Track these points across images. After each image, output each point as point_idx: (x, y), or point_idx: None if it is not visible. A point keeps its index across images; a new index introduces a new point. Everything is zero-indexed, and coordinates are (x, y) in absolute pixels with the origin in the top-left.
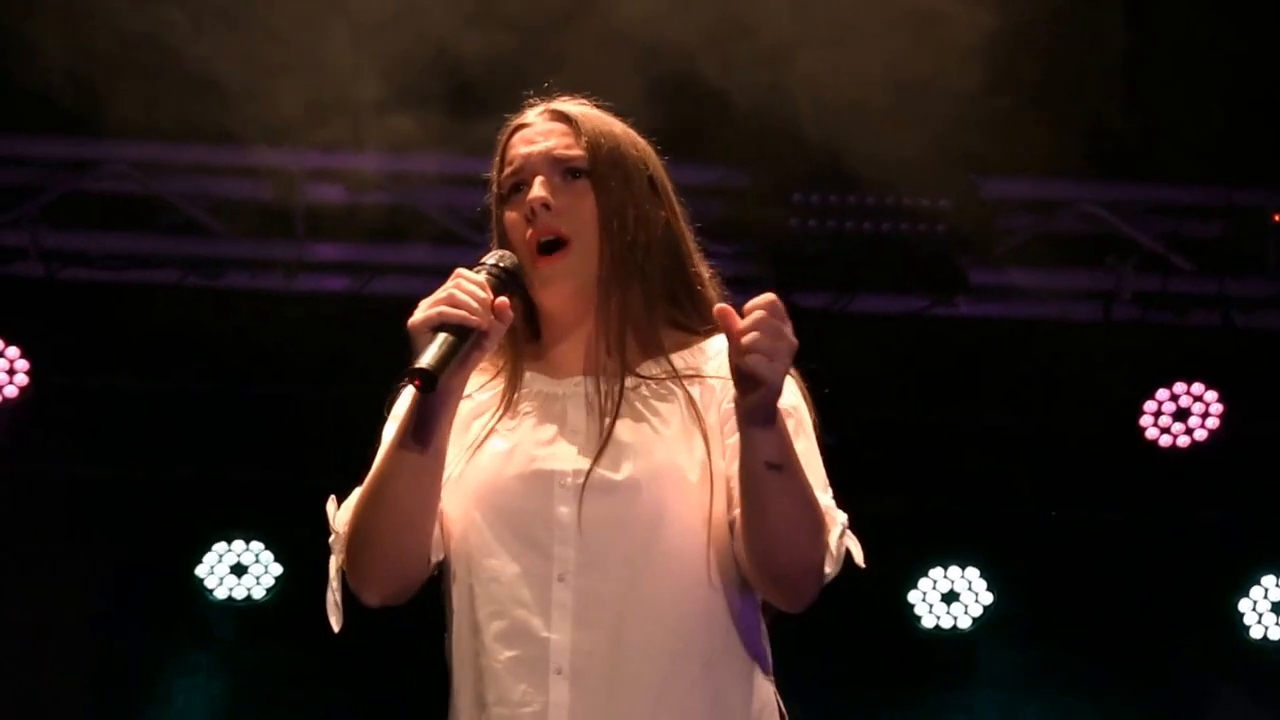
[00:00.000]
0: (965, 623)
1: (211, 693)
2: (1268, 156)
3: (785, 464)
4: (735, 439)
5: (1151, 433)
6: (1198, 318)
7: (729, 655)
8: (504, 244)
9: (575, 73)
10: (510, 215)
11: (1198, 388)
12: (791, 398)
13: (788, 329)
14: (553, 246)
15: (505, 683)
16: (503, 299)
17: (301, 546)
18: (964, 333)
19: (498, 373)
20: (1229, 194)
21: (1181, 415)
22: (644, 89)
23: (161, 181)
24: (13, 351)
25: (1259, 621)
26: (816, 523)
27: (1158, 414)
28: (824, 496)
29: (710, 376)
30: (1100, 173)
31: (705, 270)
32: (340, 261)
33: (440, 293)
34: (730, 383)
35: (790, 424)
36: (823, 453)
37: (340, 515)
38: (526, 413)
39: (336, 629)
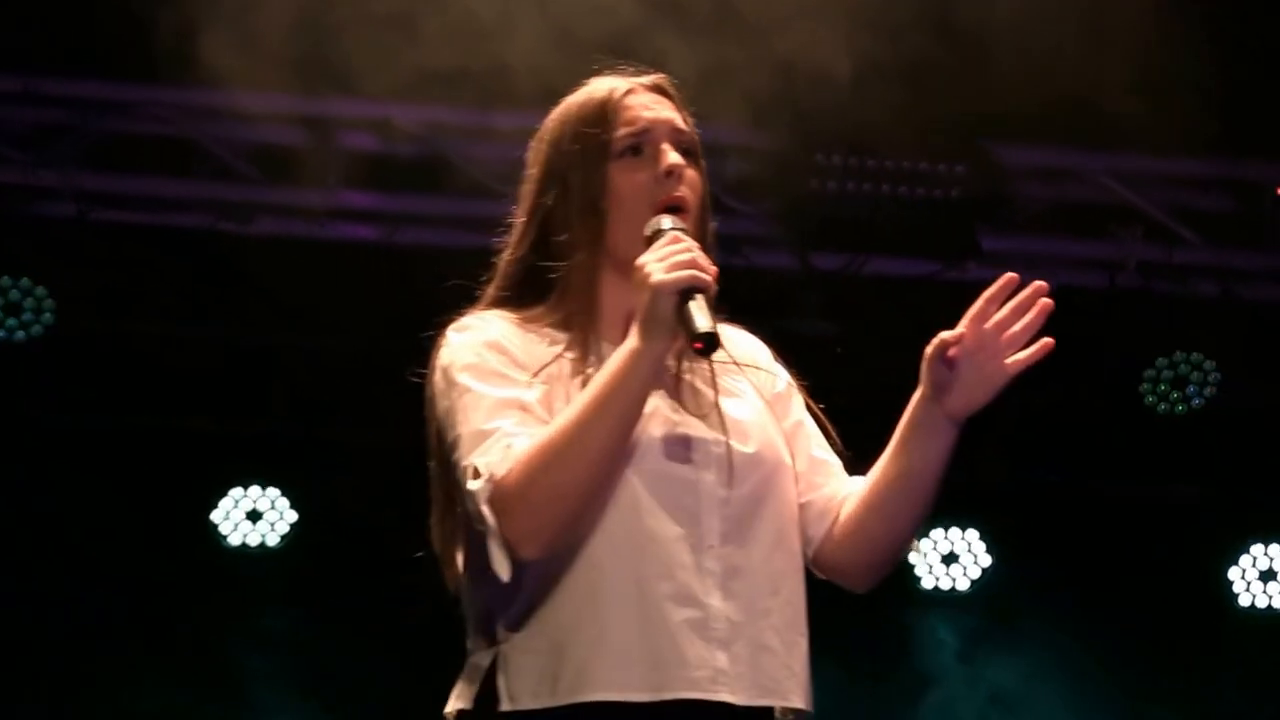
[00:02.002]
0: (964, 584)
1: (226, 638)
2: (1272, 132)
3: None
4: (789, 426)
5: (1150, 400)
6: (1199, 288)
7: (807, 630)
8: (601, 200)
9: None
10: (631, 175)
11: (1196, 357)
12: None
13: None
14: (677, 209)
15: (681, 643)
16: (715, 268)
17: (318, 494)
18: (973, 297)
19: (569, 341)
20: (1233, 168)
21: (1180, 384)
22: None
23: (198, 126)
24: (40, 291)
25: (1247, 590)
26: None
27: (1157, 381)
28: None
29: (760, 366)
30: (1110, 144)
31: None
32: (370, 210)
33: (680, 256)
34: (770, 375)
35: (800, 398)
36: (833, 416)
37: (502, 463)
38: None
39: (507, 578)
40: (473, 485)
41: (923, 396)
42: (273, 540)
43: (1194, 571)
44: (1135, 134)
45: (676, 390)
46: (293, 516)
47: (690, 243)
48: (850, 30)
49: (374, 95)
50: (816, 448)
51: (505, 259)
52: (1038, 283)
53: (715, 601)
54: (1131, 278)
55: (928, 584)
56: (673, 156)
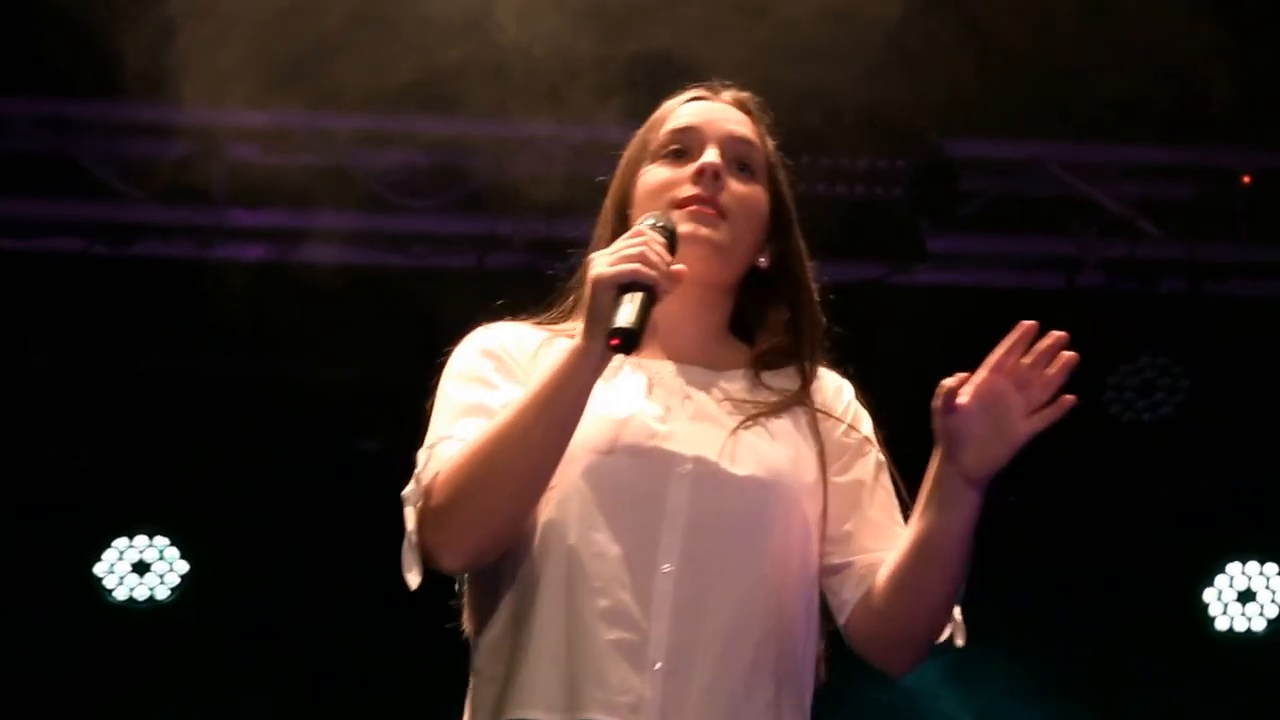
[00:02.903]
0: None
1: (110, 703)
2: (1238, 114)
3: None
4: (846, 480)
5: (1115, 409)
6: (1166, 286)
7: (793, 684)
8: (628, 203)
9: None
10: (661, 171)
11: (1164, 361)
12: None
13: None
14: (702, 207)
15: (604, 664)
16: (680, 265)
17: (210, 541)
18: (920, 302)
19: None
20: (1198, 154)
21: (1146, 390)
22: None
23: (69, 140)
24: None
25: (1224, 612)
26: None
27: (1122, 389)
28: None
29: (821, 410)
30: (1065, 132)
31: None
32: (259, 228)
33: (629, 249)
34: (840, 423)
35: (877, 458)
36: None
37: (431, 466)
38: (633, 383)
39: (415, 586)
40: (405, 491)
41: (937, 456)
42: (162, 594)
43: (1167, 592)
44: (1091, 121)
45: (696, 399)
46: (184, 567)
47: (650, 237)
48: (783, 17)
49: (261, 104)
50: (877, 510)
51: None
52: (1057, 333)
53: (660, 628)
54: (1092, 276)
55: None
56: (709, 156)
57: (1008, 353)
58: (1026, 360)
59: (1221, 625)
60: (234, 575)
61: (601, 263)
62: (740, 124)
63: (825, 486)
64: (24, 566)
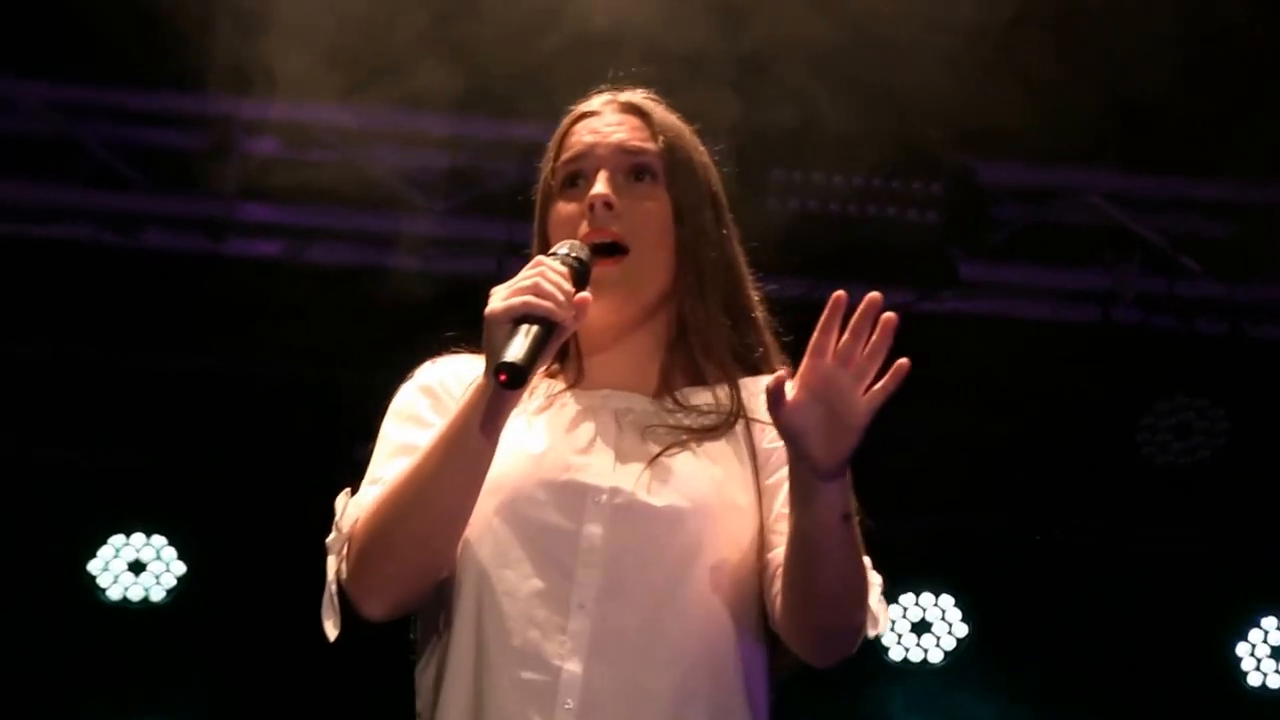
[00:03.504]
0: (936, 656)
1: (103, 704)
2: None
3: (852, 513)
4: (773, 481)
5: (1148, 450)
6: (1204, 325)
7: (735, 711)
8: (547, 241)
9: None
10: (563, 208)
11: (1201, 403)
12: None
13: None
14: (610, 250)
15: (510, 707)
16: (584, 294)
17: (208, 543)
18: (949, 331)
19: None
20: (1243, 190)
21: (1182, 432)
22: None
23: (78, 125)
24: None
25: (1258, 668)
26: (864, 580)
27: (1156, 430)
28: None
29: (756, 419)
30: (1105, 161)
31: (755, 295)
32: (273, 224)
33: (523, 281)
34: (770, 427)
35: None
36: None
37: (350, 513)
38: (559, 416)
39: (333, 637)
40: (328, 539)
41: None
42: (157, 594)
43: (1197, 646)
44: (1133, 150)
45: (622, 429)
46: (180, 568)
47: (547, 267)
48: (811, 33)
49: (280, 95)
50: (787, 505)
51: None
52: (871, 294)
53: (573, 667)
54: (1128, 312)
55: (896, 655)
56: (598, 187)
57: (823, 333)
58: (846, 337)
59: (1254, 681)
60: (230, 579)
61: (497, 296)
62: (631, 131)
63: (761, 498)
64: (17, 561)
